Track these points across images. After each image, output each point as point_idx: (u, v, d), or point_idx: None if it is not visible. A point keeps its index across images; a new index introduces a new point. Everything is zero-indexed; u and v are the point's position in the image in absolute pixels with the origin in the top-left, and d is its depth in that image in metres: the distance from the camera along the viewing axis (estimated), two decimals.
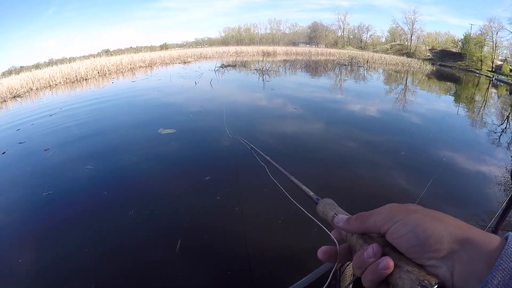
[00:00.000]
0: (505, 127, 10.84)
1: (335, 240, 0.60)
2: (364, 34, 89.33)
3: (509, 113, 14.71)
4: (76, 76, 21.85)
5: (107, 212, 4.34)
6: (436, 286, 0.40)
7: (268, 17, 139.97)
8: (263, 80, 18.00)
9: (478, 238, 0.40)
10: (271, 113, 10.23)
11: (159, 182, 5.17)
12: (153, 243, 3.64)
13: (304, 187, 0.82)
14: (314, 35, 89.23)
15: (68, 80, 21.02)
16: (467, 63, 56.73)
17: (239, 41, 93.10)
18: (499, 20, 55.91)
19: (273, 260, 3.40)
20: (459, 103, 15.98)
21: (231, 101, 12.06)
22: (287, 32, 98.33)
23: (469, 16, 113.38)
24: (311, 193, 0.78)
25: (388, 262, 0.45)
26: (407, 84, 23.05)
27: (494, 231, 1.72)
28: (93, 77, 22.71)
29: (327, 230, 0.65)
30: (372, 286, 0.48)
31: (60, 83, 20.28)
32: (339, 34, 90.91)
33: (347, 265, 2.19)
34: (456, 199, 4.91)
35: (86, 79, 21.76)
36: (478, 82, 34.49)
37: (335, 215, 0.62)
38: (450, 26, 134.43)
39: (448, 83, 27.91)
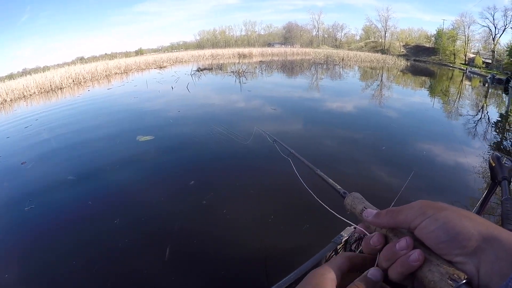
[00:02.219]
0: (480, 117, 11.12)
1: (365, 231, 0.62)
2: (338, 33, 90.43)
3: (483, 104, 15.09)
4: (50, 85, 21.45)
5: (93, 221, 4.28)
6: (464, 281, 0.42)
7: (243, 19, 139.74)
8: (240, 82, 18.03)
9: (505, 237, 0.42)
10: (250, 114, 10.28)
11: (143, 189, 5.14)
12: (141, 252, 3.60)
13: (330, 181, 0.88)
14: (289, 36, 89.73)
15: (42, 90, 20.63)
16: (440, 57, 58.06)
17: (214, 44, 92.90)
18: (470, 14, 57.75)
19: (265, 259, 3.43)
20: (435, 96, 16.30)
21: (209, 104, 12.03)
22: (262, 33, 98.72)
23: (441, 12, 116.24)
24: (338, 187, 0.82)
25: (420, 255, 0.47)
26: (383, 80, 23.35)
27: None
28: (68, 86, 22.37)
29: (353, 224, 0.68)
30: (399, 278, 0.50)
31: (34, 93, 19.88)
32: (314, 33, 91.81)
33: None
34: (437, 189, 5.03)
35: (61, 88, 21.41)
36: (452, 75, 35.16)
37: (364, 209, 0.64)
38: (423, 22, 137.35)
39: (423, 78, 28.41)
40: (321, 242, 2.33)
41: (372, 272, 0.53)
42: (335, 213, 0.75)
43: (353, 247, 2.15)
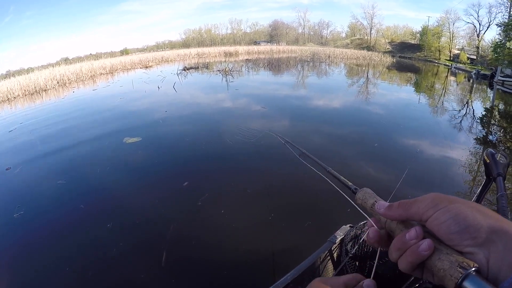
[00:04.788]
0: (466, 113, 11.28)
1: (374, 225, 0.62)
2: (324, 30, 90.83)
3: (469, 99, 15.31)
4: (35, 87, 21.09)
5: (85, 226, 4.21)
6: (473, 269, 0.43)
7: (229, 17, 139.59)
8: (226, 81, 18.01)
9: None
10: (238, 113, 10.28)
11: (135, 192, 5.08)
12: (137, 257, 3.54)
13: (342, 178, 0.87)
14: (275, 33, 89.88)
15: (27, 92, 20.27)
16: (425, 54, 58.87)
17: (200, 43, 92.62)
18: (455, 11, 58.56)
19: (265, 260, 3.41)
20: (421, 92, 16.49)
21: (197, 104, 11.99)
22: (248, 32, 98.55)
23: (426, 9, 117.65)
24: (350, 183, 0.82)
25: (430, 243, 0.48)
26: (370, 76, 23.57)
27: None
28: (53, 88, 22.04)
29: (367, 216, 0.68)
30: (409, 268, 0.51)
31: (18, 95, 19.49)
32: (300, 31, 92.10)
33: (328, 260, 2.24)
34: (431, 186, 5.04)
35: (45, 90, 21.08)
36: (437, 71, 35.67)
37: (375, 202, 0.64)
38: (408, 19, 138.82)
39: (409, 74, 28.70)
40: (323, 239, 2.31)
41: (367, 283, 0.56)
42: (357, 207, 0.74)
43: (348, 247, 2.14)
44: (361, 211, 0.72)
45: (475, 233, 0.45)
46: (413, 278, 1.78)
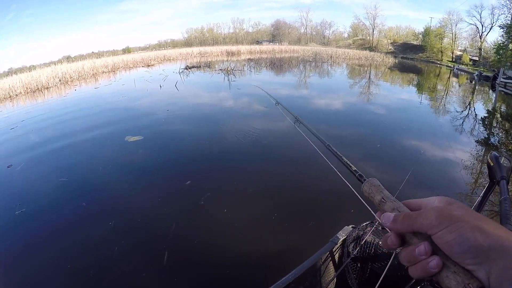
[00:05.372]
0: (468, 114, 11.21)
1: (380, 220, 0.63)
2: (326, 30, 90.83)
3: (471, 100, 15.30)
4: (37, 85, 21.09)
5: (87, 224, 4.21)
6: None
7: (231, 17, 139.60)
8: (228, 80, 17.99)
9: None
10: (240, 112, 10.29)
11: (137, 190, 5.07)
12: (139, 255, 3.53)
13: (344, 159, 0.86)
14: (277, 33, 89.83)
15: (29, 90, 20.25)
16: (428, 55, 58.87)
17: (202, 42, 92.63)
18: (458, 12, 58.79)
19: (268, 259, 3.40)
20: (424, 94, 16.47)
21: (199, 103, 11.99)
22: (250, 31, 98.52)
23: (428, 10, 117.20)
24: (354, 168, 0.82)
25: (438, 263, 0.50)
26: (372, 77, 23.52)
27: None
28: (55, 85, 22.05)
29: (373, 213, 0.70)
30: (419, 278, 0.55)
31: (20, 93, 19.48)
32: (302, 31, 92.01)
33: (330, 261, 2.23)
34: (435, 187, 5.04)
35: (47, 88, 21.08)
36: (440, 72, 35.62)
37: (382, 200, 0.65)
38: (410, 20, 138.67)
39: (411, 75, 28.70)
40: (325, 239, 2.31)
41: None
42: (362, 199, 0.78)
43: (350, 248, 2.13)
44: (365, 203, 0.72)
45: (476, 253, 0.47)
46: (414, 280, 1.78)
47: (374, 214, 0.68)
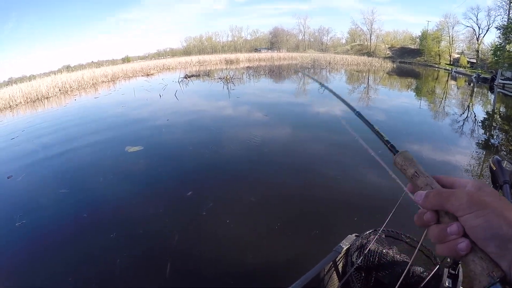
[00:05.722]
0: (468, 116, 11.21)
1: (411, 195, 0.64)
2: (324, 37, 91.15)
3: (470, 103, 15.34)
4: (37, 95, 21.17)
5: (88, 235, 4.19)
6: (498, 279, 0.46)
7: (229, 25, 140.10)
8: (228, 88, 18.04)
9: None
10: (240, 121, 10.32)
11: (138, 201, 5.05)
12: (141, 267, 3.50)
13: (376, 128, 0.83)
14: (275, 40, 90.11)
15: (29, 100, 20.33)
16: (425, 58, 59.14)
17: (201, 51, 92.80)
18: (454, 15, 58.81)
19: (274, 269, 3.39)
20: (424, 97, 16.55)
21: (198, 112, 11.99)
22: (249, 39, 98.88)
23: (425, 14, 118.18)
24: (386, 138, 0.80)
25: (468, 245, 0.50)
26: (370, 82, 23.59)
27: None
28: (55, 95, 22.15)
29: (402, 185, 0.69)
30: (445, 255, 0.57)
31: (20, 103, 19.54)
32: (300, 37, 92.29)
33: (333, 271, 2.21)
34: None
35: (47, 98, 21.14)
36: (438, 75, 35.73)
37: (415, 174, 0.64)
38: (407, 24, 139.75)
39: (409, 79, 28.77)
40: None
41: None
42: (391, 172, 0.74)
43: (354, 257, 2.12)
44: (393, 175, 0.71)
45: (500, 242, 0.47)
46: None
47: (404, 187, 0.68)
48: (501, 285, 0.46)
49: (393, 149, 0.74)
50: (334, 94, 1.10)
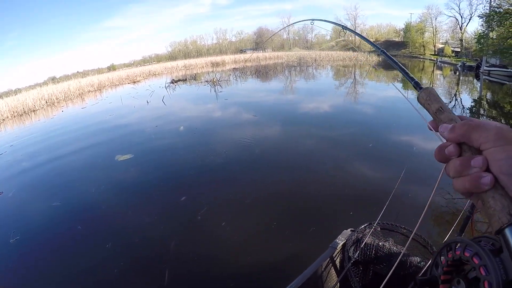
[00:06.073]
0: (455, 104, 11.29)
1: (433, 129, 0.62)
2: (309, 34, 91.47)
3: (457, 91, 15.48)
4: (23, 108, 21.00)
5: (84, 247, 4.15)
6: None
7: (214, 27, 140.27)
8: (215, 91, 18.03)
9: None
10: (230, 122, 10.30)
11: (132, 209, 5.02)
12: (139, 276, 3.48)
13: (409, 73, 0.81)
14: (260, 40, 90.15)
15: (15, 114, 20.15)
16: (410, 50, 59.66)
17: (186, 55, 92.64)
18: (436, 6, 59.39)
19: (271, 270, 3.37)
20: (410, 88, 16.56)
21: (187, 116, 11.94)
22: (234, 40, 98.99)
23: (408, 6, 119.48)
24: (411, 75, 0.79)
25: (492, 180, 0.47)
26: (357, 77, 23.72)
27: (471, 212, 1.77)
28: (42, 107, 21.99)
29: (425, 119, 0.67)
30: (462, 191, 0.51)
31: (7, 117, 19.36)
32: (285, 37, 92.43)
33: (331, 266, 2.22)
34: (431, 183, 4.96)
35: (34, 111, 20.97)
36: (423, 66, 36.05)
37: (440, 109, 0.63)
38: (391, 18, 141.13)
39: (395, 71, 28.88)
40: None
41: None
42: (413, 106, 0.73)
43: (350, 252, 2.12)
44: (417, 110, 0.70)
45: None
46: (413, 283, 1.77)
47: (426, 122, 0.65)
48: None
49: (417, 86, 0.74)
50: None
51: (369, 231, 2.15)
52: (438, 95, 0.66)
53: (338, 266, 2.25)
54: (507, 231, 0.44)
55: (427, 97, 0.67)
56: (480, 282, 0.48)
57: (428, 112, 0.66)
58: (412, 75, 0.77)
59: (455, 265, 0.57)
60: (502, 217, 0.44)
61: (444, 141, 0.57)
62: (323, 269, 2.13)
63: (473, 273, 0.53)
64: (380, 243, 2.15)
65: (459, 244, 0.54)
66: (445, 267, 0.58)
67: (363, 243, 2.11)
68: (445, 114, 0.61)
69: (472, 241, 0.51)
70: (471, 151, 0.52)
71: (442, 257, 0.59)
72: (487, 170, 0.48)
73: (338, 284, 2.14)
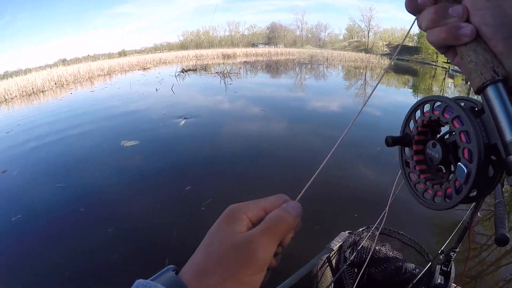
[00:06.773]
0: None
1: None
2: (322, 33, 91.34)
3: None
4: (32, 88, 21.02)
5: (85, 230, 4.17)
6: (501, 77, 0.40)
7: (227, 20, 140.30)
8: (225, 83, 17.96)
9: None
10: (238, 115, 10.31)
11: (136, 196, 5.04)
12: (138, 263, 3.48)
13: None
14: (273, 36, 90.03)
15: (24, 93, 20.18)
16: (423, 56, 59.18)
17: (198, 45, 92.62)
18: None
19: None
20: (421, 94, 16.49)
21: (195, 106, 11.94)
22: (246, 34, 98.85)
23: None
24: None
25: (473, 31, 0.42)
26: (368, 79, 23.54)
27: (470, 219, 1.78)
28: (51, 89, 21.97)
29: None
30: (437, 42, 0.47)
31: (16, 96, 19.37)
32: (298, 33, 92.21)
33: (326, 267, 2.24)
34: None
35: (43, 91, 20.98)
36: (435, 73, 35.73)
37: None
38: (405, 22, 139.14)
39: (407, 76, 28.78)
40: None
41: (292, 205, 0.53)
42: None
43: (347, 254, 2.14)
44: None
45: (508, 34, 0.40)
46: (411, 285, 1.78)
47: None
48: (503, 85, 0.41)
49: None
50: None
51: (367, 235, 2.17)
52: None
53: (333, 267, 2.27)
54: (489, 89, 0.41)
55: None
56: (459, 149, 0.45)
57: None
58: None
59: (431, 126, 0.55)
60: (485, 72, 0.41)
61: None
62: (318, 268, 2.15)
63: (452, 138, 0.51)
64: (377, 247, 2.16)
65: (438, 103, 0.50)
66: (420, 127, 0.56)
67: (360, 246, 2.13)
68: None
69: (454, 102, 0.47)
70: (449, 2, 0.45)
71: (417, 115, 0.56)
72: (467, 21, 0.43)
73: (332, 284, 2.16)
